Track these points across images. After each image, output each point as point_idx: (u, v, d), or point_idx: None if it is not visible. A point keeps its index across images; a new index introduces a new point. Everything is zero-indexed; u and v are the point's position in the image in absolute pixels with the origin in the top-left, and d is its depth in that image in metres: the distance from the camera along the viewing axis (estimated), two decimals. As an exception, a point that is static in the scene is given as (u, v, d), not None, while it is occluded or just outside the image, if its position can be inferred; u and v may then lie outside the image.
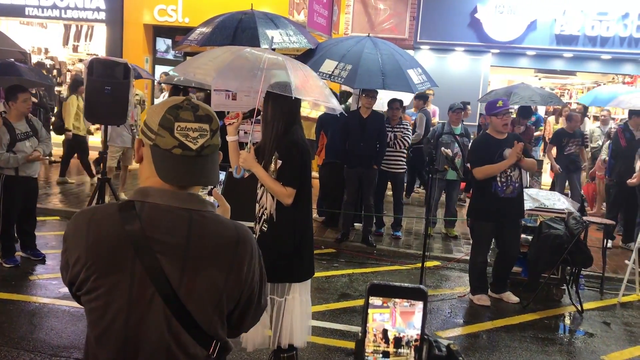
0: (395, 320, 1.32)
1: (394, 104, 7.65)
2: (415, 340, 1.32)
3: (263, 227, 3.32)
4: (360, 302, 5.52)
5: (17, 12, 13.53)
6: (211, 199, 1.81)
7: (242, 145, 3.51)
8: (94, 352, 1.49)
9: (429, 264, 6.50)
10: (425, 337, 1.33)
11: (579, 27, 11.81)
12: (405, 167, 7.91)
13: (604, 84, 15.05)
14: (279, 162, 3.21)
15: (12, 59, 7.81)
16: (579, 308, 5.64)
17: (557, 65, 12.66)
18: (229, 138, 3.40)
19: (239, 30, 6.73)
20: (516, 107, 8.68)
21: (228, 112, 6.61)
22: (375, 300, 1.32)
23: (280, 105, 3.25)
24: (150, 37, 13.48)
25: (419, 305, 1.32)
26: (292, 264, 3.32)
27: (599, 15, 11.71)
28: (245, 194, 6.41)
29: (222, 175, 1.80)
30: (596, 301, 6.08)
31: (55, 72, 14.20)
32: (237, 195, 6.59)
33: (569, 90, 17.86)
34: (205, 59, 4.11)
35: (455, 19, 12.28)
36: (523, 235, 5.98)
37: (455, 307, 5.65)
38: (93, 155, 9.25)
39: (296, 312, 3.33)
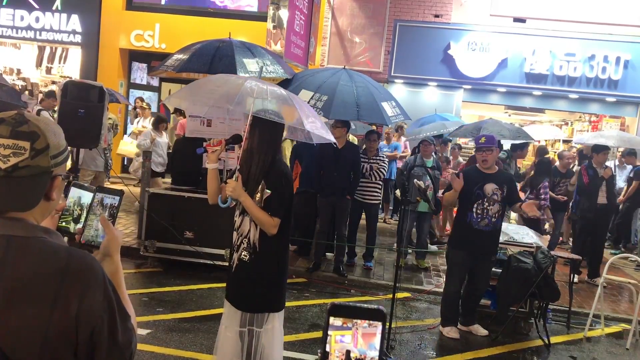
0: (357, 341, 1.33)
1: (372, 135, 7.74)
2: None
3: (243, 256, 3.26)
4: (330, 332, 5.48)
5: (-10, 32, 13.41)
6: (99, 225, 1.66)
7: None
8: None
9: (399, 295, 6.50)
10: (384, 358, 1.35)
11: (548, 66, 12.20)
12: (380, 198, 7.96)
13: (571, 122, 15.51)
14: (267, 191, 3.17)
15: None
16: (547, 342, 5.70)
17: (527, 103, 13.01)
18: (209, 166, 3.34)
19: (216, 58, 6.78)
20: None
21: (209, 140, 6.62)
22: (335, 321, 1.33)
23: (268, 134, 3.24)
24: (125, 62, 13.46)
25: (379, 326, 1.34)
26: (273, 294, 3.29)
27: (566, 56, 12.13)
28: (214, 221, 6.39)
29: (114, 200, 1.70)
30: (563, 335, 6.15)
31: (27, 93, 14.02)
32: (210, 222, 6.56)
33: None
34: (201, 93, 3.93)
35: (429, 55, 12.57)
36: (493, 269, 6.05)
37: (424, 339, 5.65)
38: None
39: (274, 342, 3.30)
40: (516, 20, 12.30)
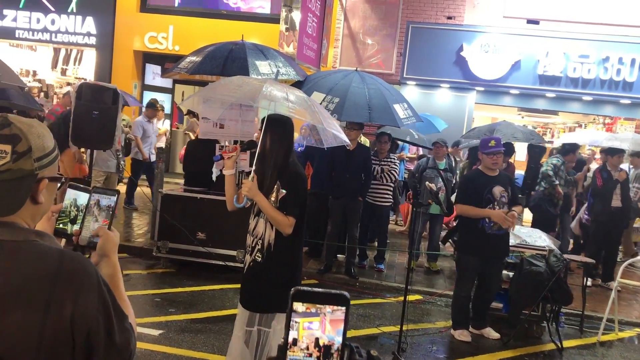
0: (324, 327, 1.34)
1: (382, 137, 7.73)
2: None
3: (257, 257, 3.29)
4: (341, 334, 5.48)
5: (7, 34, 13.59)
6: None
7: None
8: None
9: (411, 297, 6.49)
10: (347, 343, 1.35)
11: (562, 68, 12.11)
12: (391, 200, 7.95)
13: (585, 125, 15.38)
14: (282, 191, 3.22)
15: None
16: (559, 346, 5.66)
17: (540, 105, 12.91)
18: (226, 172, 3.39)
19: (229, 60, 6.82)
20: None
21: (223, 146, 6.67)
22: (298, 306, 1.33)
23: (281, 136, 3.29)
24: (139, 64, 13.57)
25: (343, 310, 1.34)
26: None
27: (580, 58, 12.03)
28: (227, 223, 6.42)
29: (111, 201, 1.72)
30: (576, 339, 6.10)
31: (42, 94, 14.19)
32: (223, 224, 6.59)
33: (551, 129, 18.19)
34: (216, 93, 4.04)
35: (441, 57, 12.52)
36: (504, 272, 6.02)
37: (436, 342, 5.64)
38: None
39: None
40: (530, 22, 12.22)
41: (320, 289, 1.34)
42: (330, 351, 1.34)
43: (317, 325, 1.34)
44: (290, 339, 1.33)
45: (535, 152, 8.91)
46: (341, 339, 1.34)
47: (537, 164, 8.49)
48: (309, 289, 1.34)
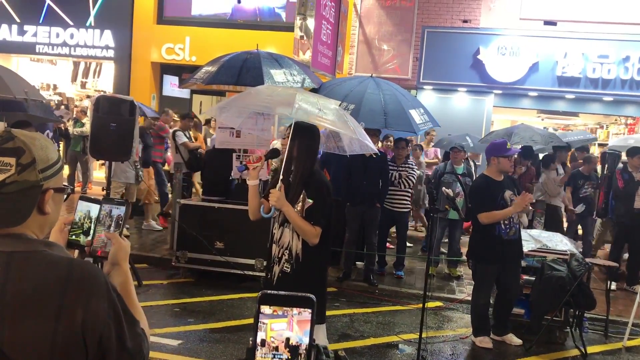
0: (292, 328, 1.39)
1: (400, 143, 7.69)
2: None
3: (285, 268, 3.27)
4: (361, 342, 5.46)
5: (28, 49, 13.83)
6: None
7: None
8: None
9: (431, 304, 6.43)
10: (314, 344, 1.39)
11: (581, 69, 11.95)
12: (409, 206, 7.89)
13: (607, 126, 15.17)
14: (309, 201, 3.20)
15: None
16: (583, 351, 5.55)
17: (560, 107, 12.75)
18: (250, 182, 3.38)
19: (243, 69, 6.86)
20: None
21: (242, 155, 6.69)
22: (265, 309, 1.37)
23: (308, 144, 3.29)
24: (157, 75, 13.70)
25: (309, 312, 1.41)
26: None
27: (600, 58, 11.87)
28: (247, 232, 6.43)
29: (120, 210, 1.76)
30: (600, 345, 5.98)
31: (62, 107, 14.42)
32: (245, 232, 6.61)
33: (572, 131, 17.95)
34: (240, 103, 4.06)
35: (458, 60, 12.44)
36: (526, 277, 5.94)
37: (457, 349, 5.57)
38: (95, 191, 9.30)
39: None
40: (547, 23, 12.08)
41: (286, 292, 1.41)
42: (298, 351, 1.39)
43: (285, 326, 1.39)
44: (258, 340, 1.37)
45: (611, 159, 8.56)
46: (308, 339, 1.39)
47: (614, 172, 8.20)
48: (275, 292, 1.41)
